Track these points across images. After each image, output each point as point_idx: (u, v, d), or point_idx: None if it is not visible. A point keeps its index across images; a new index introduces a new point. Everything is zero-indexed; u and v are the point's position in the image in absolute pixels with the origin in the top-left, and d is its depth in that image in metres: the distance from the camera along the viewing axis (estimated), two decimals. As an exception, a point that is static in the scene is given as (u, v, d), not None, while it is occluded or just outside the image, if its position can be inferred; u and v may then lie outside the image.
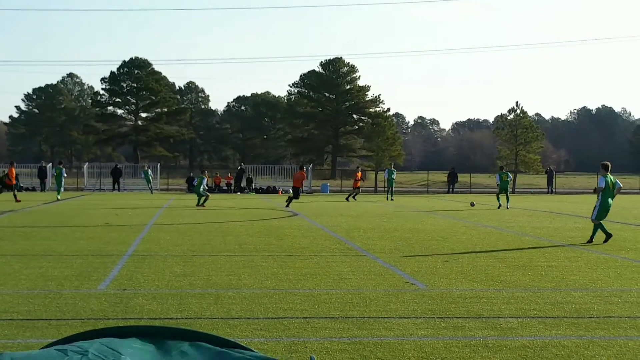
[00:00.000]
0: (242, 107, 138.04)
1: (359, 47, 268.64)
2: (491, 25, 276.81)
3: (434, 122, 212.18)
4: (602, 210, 19.53)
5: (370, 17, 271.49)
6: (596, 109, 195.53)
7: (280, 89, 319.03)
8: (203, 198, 35.95)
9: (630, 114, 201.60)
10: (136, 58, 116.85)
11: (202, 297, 11.00)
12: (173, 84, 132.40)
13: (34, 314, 9.64)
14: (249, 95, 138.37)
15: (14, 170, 40.33)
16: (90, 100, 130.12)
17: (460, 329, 9.00)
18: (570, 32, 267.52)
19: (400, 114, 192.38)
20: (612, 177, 19.63)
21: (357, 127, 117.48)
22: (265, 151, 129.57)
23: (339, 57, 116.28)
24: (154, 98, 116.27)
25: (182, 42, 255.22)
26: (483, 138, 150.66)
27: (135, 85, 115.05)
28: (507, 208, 35.28)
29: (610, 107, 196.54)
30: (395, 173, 49.23)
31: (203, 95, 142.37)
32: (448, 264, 14.82)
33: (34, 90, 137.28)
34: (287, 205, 35.27)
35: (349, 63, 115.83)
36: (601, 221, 19.56)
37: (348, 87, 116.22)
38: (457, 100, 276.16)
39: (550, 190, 63.68)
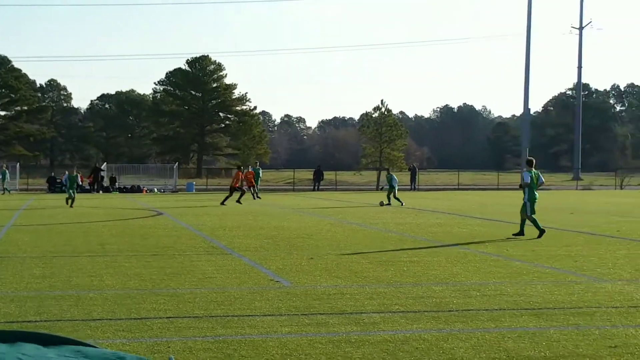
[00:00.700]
0: (106, 105, 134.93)
1: (226, 45, 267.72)
2: (358, 25, 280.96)
3: (300, 120, 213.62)
4: (532, 204, 20.11)
5: (239, 15, 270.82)
6: (458, 107, 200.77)
7: (146, 87, 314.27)
8: (71, 200, 34.61)
9: (490, 112, 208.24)
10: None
11: (62, 299, 10.71)
12: (34, 82, 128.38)
13: None
14: (113, 93, 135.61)
15: None
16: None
17: (324, 325, 9.09)
18: (434, 31, 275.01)
19: (267, 112, 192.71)
20: (535, 172, 20.27)
21: (223, 125, 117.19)
22: (129, 150, 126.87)
23: (206, 55, 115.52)
24: (13, 96, 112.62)
25: (43, 38, 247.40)
26: (348, 136, 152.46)
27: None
28: (402, 204, 35.61)
29: (472, 106, 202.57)
30: (261, 171, 49.45)
31: (65, 93, 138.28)
32: (313, 261, 14.94)
33: None
34: (238, 201, 36.33)
35: (215, 61, 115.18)
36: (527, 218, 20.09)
37: (215, 85, 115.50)
38: (323, 99, 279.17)
39: (412, 187, 65.06)
